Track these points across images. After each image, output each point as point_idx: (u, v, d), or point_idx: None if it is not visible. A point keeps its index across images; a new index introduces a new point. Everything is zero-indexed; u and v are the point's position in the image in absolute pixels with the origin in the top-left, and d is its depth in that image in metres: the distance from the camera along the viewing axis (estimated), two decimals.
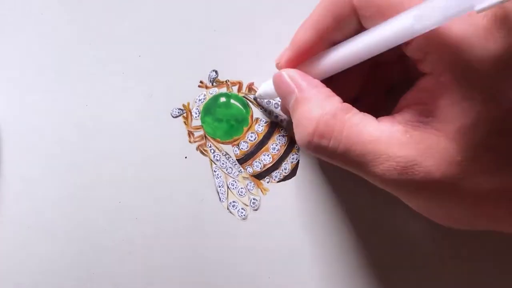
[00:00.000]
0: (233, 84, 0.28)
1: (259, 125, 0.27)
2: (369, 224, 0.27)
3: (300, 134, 0.21)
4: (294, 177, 0.27)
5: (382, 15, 0.19)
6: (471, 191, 0.18)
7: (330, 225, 0.27)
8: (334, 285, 0.27)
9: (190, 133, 0.27)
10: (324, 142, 0.20)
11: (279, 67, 0.23)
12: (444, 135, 0.18)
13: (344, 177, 0.27)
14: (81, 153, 0.27)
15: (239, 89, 0.28)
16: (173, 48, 0.27)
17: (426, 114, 0.19)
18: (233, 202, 0.27)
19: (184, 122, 0.27)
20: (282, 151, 0.27)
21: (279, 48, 0.27)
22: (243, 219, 0.27)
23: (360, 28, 0.21)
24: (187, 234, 0.27)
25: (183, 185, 0.27)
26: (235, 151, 0.27)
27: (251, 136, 0.27)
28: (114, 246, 0.27)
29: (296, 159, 0.27)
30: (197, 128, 0.27)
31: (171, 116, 0.27)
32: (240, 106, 0.27)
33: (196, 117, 0.28)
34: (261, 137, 0.27)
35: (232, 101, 0.28)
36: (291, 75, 0.22)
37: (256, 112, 0.27)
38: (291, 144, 0.27)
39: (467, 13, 0.17)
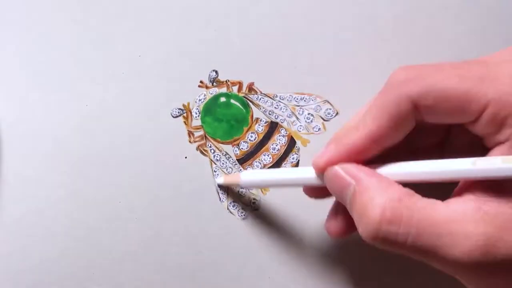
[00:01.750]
0: (233, 84, 0.28)
1: (259, 125, 0.27)
2: None
3: (365, 225, 0.19)
4: None
5: (443, 101, 0.18)
6: None
7: None
8: (334, 285, 0.27)
9: (190, 133, 0.27)
10: (393, 229, 0.18)
11: (316, 164, 0.21)
12: None
13: None
14: (81, 153, 0.27)
15: (239, 89, 0.28)
16: (173, 48, 0.27)
17: (498, 188, 0.18)
18: (233, 202, 0.27)
19: (184, 122, 0.27)
20: (282, 151, 0.27)
21: (279, 48, 0.27)
22: (243, 219, 0.27)
23: (414, 129, 0.20)
24: (187, 234, 0.27)
25: (183, 185, 0.27)
26: (235, 151, 0.27)
27: (251, 136, 0.27)
28: (114, 246, 0.27)
29: (296, 159, 0.27)
30: (197, 128, 0.27)
31: (171, 116, 0.27)
32: (240, 106, 0.27)
33: (196, 117, 0.28)
34: (261, 137, 0.27)
35: (232, 101, 0.28)
36: (346, 168, 0.20)
37: (256, 112, 0.27)
38: (291, 144, 0.27)
39: None
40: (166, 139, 0.27)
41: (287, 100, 0.27)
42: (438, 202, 0.19)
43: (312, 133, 0.27)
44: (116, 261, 0.27)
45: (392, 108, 0.19)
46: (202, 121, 0.28)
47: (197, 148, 0.27)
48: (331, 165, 0.21)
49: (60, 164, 0.27)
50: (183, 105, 0.27)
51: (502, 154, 0.18)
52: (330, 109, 0.27)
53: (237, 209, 0.27)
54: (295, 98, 0.27)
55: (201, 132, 0.27)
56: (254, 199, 0.27)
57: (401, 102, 0.19)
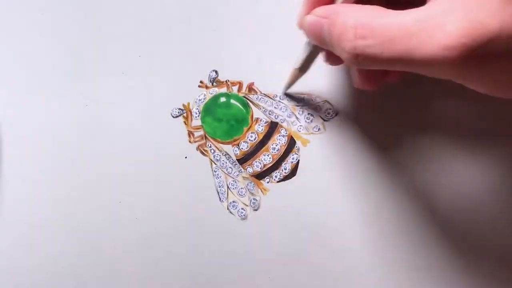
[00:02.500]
0: (233, 84, 0.28)
1: (259, 125, 0.27)
2: (369, 223, 0.27)
3: (342, 47, 0.20)
4: (294, 177, 0.27)
5: None
6: None
7: (330, 225, 0.27)
8: (334, 285, 0.27)
9: (190, 133, 0.27)
10: (368, 43, 0.19)
11: (300, 15, 0.23)
12: None
13: (344, 177, 0.27)
14: (81, 153, 0.27)
15: (239, 89, 0.28)
16: (173, 48, 0.27)
17: None
18: (233, 202, 0.27)
19: (184, 122, 0.27)
20: (282, 151, 0.27)
21: (279, 48, 0.27)
22: (243, 219, 0.27)
23: None
24: (187, 234, 0.27)
25: (183, 185, 0.27)
26: (235, 151, 0.27)
27: (251, 136, 0.27)
28: (114, 246, 0.27)
29: (296, 159, 0.27)
30: (197, 128, 0.27)
31: (171, 116, 0.27)
32: (240, 106, 0.27)
33: (196, 117, 0.28)
34: (261, 137, 0.27)
35: (232, 101, 0.28)
36: (315, 12, 0.22)
37: (256, 112, 0.27)
38: (291, 144, 0.27)
39: None
40: (166, 139, 0.27)
41: (287, 100, 0.27)
42: (409, 9, 0.19)
43: (312, 133, 0.27)
44: (116, 261, 0.27)
45: None
46: (202, 121, 0.28)
47: (197, 148, 0.27)
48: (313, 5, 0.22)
49: (60, 164, 0.27)
50: (183, 105, 0.28)
51: None
52: (330, 109, 0.27)
53: (237, 209, 0.27)
54: (295, 98, 0.27)
55: (201, 132, 0.27)
56: (254, 199, 0.27)
57: None
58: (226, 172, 0.27)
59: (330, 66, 0.27)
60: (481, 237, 0.26)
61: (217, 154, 0.27)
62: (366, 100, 0.27)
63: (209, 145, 0.27)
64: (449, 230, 0.26)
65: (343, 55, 0.20)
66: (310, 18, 0.22)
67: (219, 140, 0.27)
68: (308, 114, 0.27)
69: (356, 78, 0.24)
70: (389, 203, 0.26)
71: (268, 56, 0.27)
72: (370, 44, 0.19)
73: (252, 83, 0.27)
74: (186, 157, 0.27)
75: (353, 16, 0.20)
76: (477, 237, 0.26)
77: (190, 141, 0.27)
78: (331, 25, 0.21)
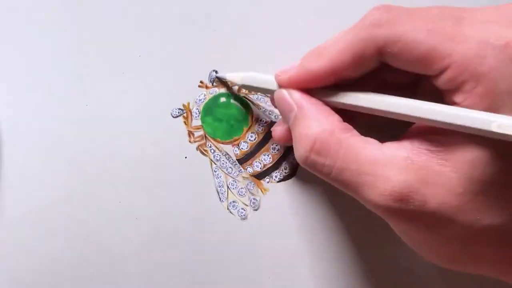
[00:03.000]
0: (233, 84, 0.28)
1: (259, 125, 0.27)
2: (369, 223, 0.27)
3: (298, 150, 0.21)
4: (294, 177, 0.27)
5: (408, 52, 0.19)
6: (467, 225, 0.18)
7: (330, 225, 0.27)
8: (333, 285, 0.27)
9: (190, 133, 0.27)
10: (320, 160, 0.20)
11: (278, 79, 0.22)
12: (450, 165, 0.18)
13: None
14: (81, 153, 0.27)
15: (239, 89, 0.28)
16: (173, 48, 0.27)
17: (436, 144, 0.18)
18: (233, 202, 0.27)
19: (184, 122, 0.27)
20: (282, 151, 0.27)
21: (279, 48, 0.27)
22: (243, 219, 0.27)
23: (375, 69, 0.20)
24: (187, 234, 0.27)
25: (183, 185, 0.27)
26: (235, 151, 0.27)
27: (251, 136, 0.27)
28: (114, 246, 0.27)
29: None
30: (197, 128, 0.27)
31: (171, 116, 0.27)
32: (240, 106, 0.27)
33: (196, 117, 0.28)
34: (261, 137, 0.27)
35: (232, 101, 0.28)
36: (292, 93, 0.22)
37: (256, 112, 0.27)
38: None
39: (504, 44, 0.17)
40: (166, 139, 0.27)
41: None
42: (374, 142, 0.19)
43: None
44: (116, 261, 0.27)
45: (358, 48, 0.20)
46: (202, 121, 0.28)
47: (197, 148, 0.27)
48: (289, 84, 0.22)
49: (60, 164, 0.27)
50: (183, 105, 0.27)
51: None
52: None
53: (237, 209, 0.27)
54: None
55: (201, 132, 0.27)
56: (254, 199, 0.27)
57: (367, 45, 0.19)
58: (226, 172, 0.27)
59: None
60: None
61: (217, 154, 0.27)
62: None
63: (209, 145, 0.27)
64: None
65: (295, 152, 0.21)
66: (286, 95, 0.22)
67: (219, 140, 0.27)
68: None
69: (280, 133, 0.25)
70: None
71: (268, 56, 0.27)
72: (321, 161, 0.20)
73: None
74: (186, 157, 0.27)
75: (316, 126, 0.20)
76: None
77: (190, 141, 0.27)
78: (296, 120, 0.21)
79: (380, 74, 0.22)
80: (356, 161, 0.19)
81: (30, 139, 0.27)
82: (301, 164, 0.21)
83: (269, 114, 0.27)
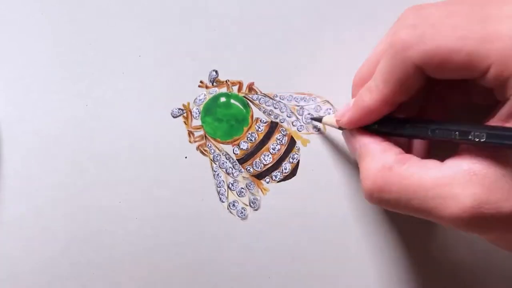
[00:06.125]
0: (233, 84, 0.28)
1: (259, 125, 0.27)
2: (369, 223, 0.27)
3: (363, 189, 0.21)
4: (294, 177, 0.27)
5: (446, 63, 0.19)
6: None
7: (330, 225, 0.27)
8: (333, 285, 0.27)
9: (190, 133, 0.27)
10: (385, 196, 0.20)
11: (340, 124, 0.23)
12: (511, 166, 0.18)
13: (344, 177, 0.27)
14: (81, 153, 0.27)
15: (239, 89, 0.28)
16: (173, 48, 0.27)
17: (494, 147, 0.19)
18: (233, 202, 0.27)
19: (184, 122, 0.27)
20: (282, 151, 0.27)
21: (280, 48, 0.27)
22: (243, 219, 0.27)
23: (424, 85, 0.21)
24: (187, 234, 0.27)
25: (183, 185, 0.27)
26: (235, 151, 0.27)
27: (251, 136, 0.27)
28: (114, 246, 0.27)
29: (296, 159, 0.27)
30: (197, 128, 0.27)
31: (171, 116, 0.27)
32: (240, 106, 0.27)
33: (196, 117, 0.28)
34: (261, 137, 0.27)
35: (232, 101, 0.28)
36: (353, 134, 0.23)
37: (256, 112, 0.27)
38: (291, 144, 0.27)
39: None
40: (166, 139, 0.27)
41: (287, 100, 0.27)
42: (434, 163, 0.20)
43: (312, 133, 0.27)
44: (116, 261, 0.27)
45: (399, 72, 0.20)
46: (202, 121, 0.28)
47: (197, 148, 0.27)
48: (350, 125, 0.23)
49: (60, 164, 0.27)
50: (183, 105, 0.27)
51: (507, 111, 0.19)
52: (330, 109, 0.27)
53: (237, 209, 0.27)
54: (295, 98, 0.27)
55: (201, 132, 0.27)
56: (254, 199, 0.27)
57: (406, 67, 0.20)
58: (226, 172, 0.27)
59: (331, 67, 0.27)
60: None
61: (217, 154, 0.27)
62: None
63: (209, 145, 0.27)
64: (450, 229, 0.26)
65: (362, 190, 0.22)
66: (347, 137, 0.24)
67: (219, 140, 0.27)
68: (308, 114, 0.27)
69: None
70: None
71: (268, 56, 0.27)
72: (386, 197, 0.20)
73: (252, 83, 0.27)
74: (186, 157, 0.27)
75: (374, 164, 0.21)
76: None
77: (190, 141, 0.27)
78: (359, 159, 0.22)
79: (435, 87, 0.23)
80: (421, 189, 0.19)
81: (30, 139, 0.27)
82: (369, 202, 0.21)
83: (269, 114, 0.27)
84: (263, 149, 0.27)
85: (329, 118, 0.25)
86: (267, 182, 0.27)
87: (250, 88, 0.27)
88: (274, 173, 0.27)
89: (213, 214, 0.27)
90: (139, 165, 0.27)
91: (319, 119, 0.26)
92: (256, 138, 0.27)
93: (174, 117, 0.27)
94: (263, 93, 0.27)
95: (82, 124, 0.27)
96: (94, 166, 0.27)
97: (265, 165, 0.27)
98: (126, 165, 0.27)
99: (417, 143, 0.24)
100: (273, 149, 0.27)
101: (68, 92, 0.28)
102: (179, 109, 0.27)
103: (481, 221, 0.18)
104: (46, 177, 0.27)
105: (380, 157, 0.21)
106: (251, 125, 0.27)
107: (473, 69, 0.19)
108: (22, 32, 0.28)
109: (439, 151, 0.21)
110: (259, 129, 0.27)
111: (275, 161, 0.27)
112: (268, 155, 0.27)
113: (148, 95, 0.27)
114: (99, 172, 0.27)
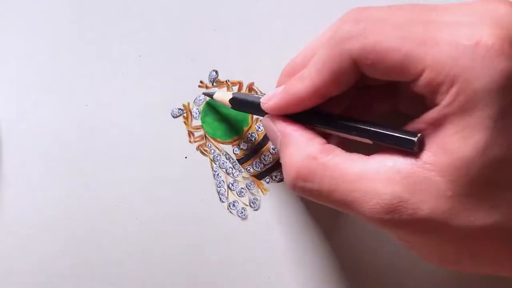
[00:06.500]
0: (233, 84, 0.28)
1: (259, 125, 0.27)
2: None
3: (286, 178, 0.21)
4: None
5: (382, 61, 0.19)
6: (461, 227, 0.18)
7: (330, 225, 0.27)
8: (334, 285, 0.27)
9: (190, 133, 0.27)
10: (308, 186, 0.20)
11: (265, 108, 0.23)
12: (436, 169, 0.18)
13: None
14: (81, 153, 0.27)
15: (239, 89, 0.28)
16: (173, 48, 0.27)
17: (420, 148, 0.19)
18: (233, 202, 0.27)
19: (184, 122, 0.27)
20: None
21: (280, 48, 0.27)
22: (243, 219, 0.27)
23: (355, 83, 0.20)
24: (187, 234, 0.27)
25: (183, 185, 0.27)
26: (235, 151, 0.27)
27: (251, 136, 0.27)
28: (114, 246, 0.27)
29: None
30: (197, 128, 0.28)
31: (171, 116, 0.27)
32: None
33: (196, 117, 0.28)
34: (261, 137, 0.27)
35: None
36: (275, 121, 0.22)
37: None
38: None
39: (474, 43, 0.17)
40: (166, 139, 0.27)
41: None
42: (359, 157, 0.20)
43: None
44: (116, 261, 0.27)
45: (334, 64, 0.20)
46: (202, 121, 0.28)
47: (197, 148, 0.27)
48: (275, 111, 0.22)
49: (60, 164, 0.27)
50: (183, 105, 0.27)
51: (432, 117, 0.19)
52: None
53: (237, 209, 0.27)
54: None
55: (201, 132, 0.27)
56: (254, 199, 0.27)
57: (342, 59, 0.20)
58: (226, 172, 0.27)
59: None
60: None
61: (217, 154, 0.27)
62: None
63: (209, 145, 0.27)
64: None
65: (284, 179, 0.22)
66: (270, 123, 0.23)
67: (219, 140, 0.27)
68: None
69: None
70: None
71: (268, 56, 0.27)
72: (309, 187, 0.20)
73: (252, 83, 0.27)
74: (186, 157, 0.27)
75: (299, 153, 0.21)
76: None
77: (190, 141, 0.27)
78: (281, 147, 0.22)
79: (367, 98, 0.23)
80: (343, 180, 0.19)
81: (30, 139, 0.27)
82: (290, 190, 0.21)
83: None
84: (263, 149, 0.27)
85: (221, 94, 0.25)
86: (267, 182, 0.27)
87: (250, 88, 0.27)
88: (274, 173, 0.27)
89: (213, 214, 0.27)
90: (139, 165, 0.27)
91: (211, 94, 0.26)
92: (256, 138, 0.27)
93: (174, 117, 0.27)
94: (263, 93, 0.27)
95: (82, 124, 0.27)
96: (94, 166, 0.27)
97: (265, 165, 0.27)
98: (126, 165, 0.27)
99: (335, 139, 0.23)
100: (273, 149, 0.27)
101: (68, 92, 0.28)
102: (179, 109, 0.27)
103: (396, 220, 0.18)
104: (46, 177, 0.27)
105: (305, 146, 0.21)
106: (251, 125, 0.27)
107: (407, 71, 0.18)
108: (22, 32, 0.28)
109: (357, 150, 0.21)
110: (259, 129, 0.27)
111: (275, 161, 0.27)
112: (268, 155, 0.27)
113: (148, 95, 0.27)
114: (99, 172, 0.27)
